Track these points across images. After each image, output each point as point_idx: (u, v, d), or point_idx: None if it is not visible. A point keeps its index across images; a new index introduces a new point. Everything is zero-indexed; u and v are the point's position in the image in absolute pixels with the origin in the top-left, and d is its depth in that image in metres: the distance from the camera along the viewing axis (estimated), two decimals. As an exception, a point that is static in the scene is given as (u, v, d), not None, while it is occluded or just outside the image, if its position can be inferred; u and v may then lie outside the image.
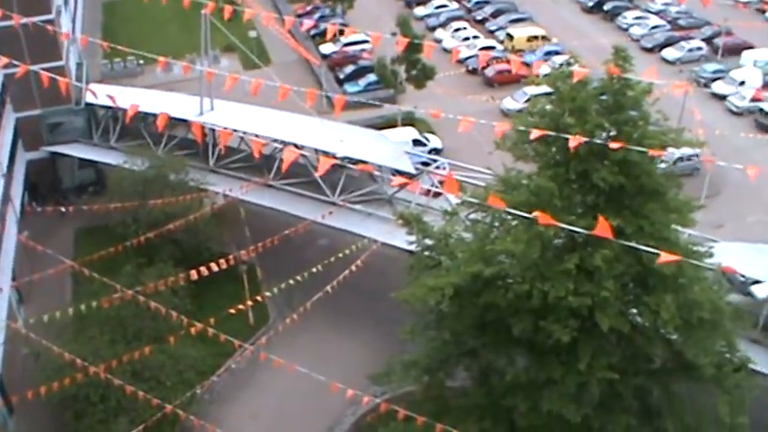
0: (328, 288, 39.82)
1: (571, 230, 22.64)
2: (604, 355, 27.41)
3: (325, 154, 43.44)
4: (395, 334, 32.57)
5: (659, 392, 29.98)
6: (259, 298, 41.13)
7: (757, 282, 40.50)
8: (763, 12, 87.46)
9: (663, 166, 29.85)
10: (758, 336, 37.25)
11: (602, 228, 16.99)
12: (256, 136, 43.15)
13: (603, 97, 27.52)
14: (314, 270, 40.96)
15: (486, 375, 31.55)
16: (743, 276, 39.35)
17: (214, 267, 37.16)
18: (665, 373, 29.85)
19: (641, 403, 30.10)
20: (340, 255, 42.06)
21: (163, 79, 69.77)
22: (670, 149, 30.10)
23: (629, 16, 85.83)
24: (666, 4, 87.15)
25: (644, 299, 26.94)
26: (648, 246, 23.32)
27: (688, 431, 29.15)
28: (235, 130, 46.56)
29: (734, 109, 68.51)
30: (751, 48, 78.10)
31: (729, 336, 29.42)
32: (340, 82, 72.60)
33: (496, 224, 28.91)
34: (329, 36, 40.17)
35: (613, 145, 24.17)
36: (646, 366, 29.94)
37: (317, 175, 43.67)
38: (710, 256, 28.63)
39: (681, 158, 55.34)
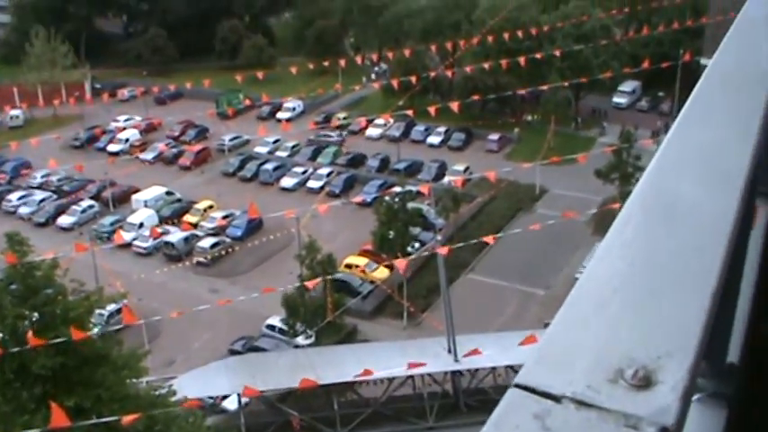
0: None
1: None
2: None
3: None
4: None
5: None
6: None
7: (226, 396, 43.13)
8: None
9: (96, 330, 30.59)
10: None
11: (58, 419, 17.17)
12: None
13: (14, 287, 27.43)
14: None
15: None
16: (211, 398, 41.57)
17: None
18: None
19: None
20: None
21: None
22: (97, 311, 31.00)
23: (13, 198, 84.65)
24: (46, 175, 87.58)
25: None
26: (112, 408, 23.80)
27: None
28: None
29: (142, 251, 71.46)
30: (138, 191, 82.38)
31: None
32: None
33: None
34: None
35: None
36: None
37: None
38: (174, 393, 29.97)
39: (111, 314, 56.01)
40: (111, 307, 49.73)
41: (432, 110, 55.85)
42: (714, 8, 44.85)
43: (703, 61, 45.49)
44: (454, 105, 55.51)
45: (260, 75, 74.80)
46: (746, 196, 2.29)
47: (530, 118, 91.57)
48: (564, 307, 1.66)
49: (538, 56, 71.45)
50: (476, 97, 69.73)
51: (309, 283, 43.26)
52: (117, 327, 36.91)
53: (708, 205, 2.08)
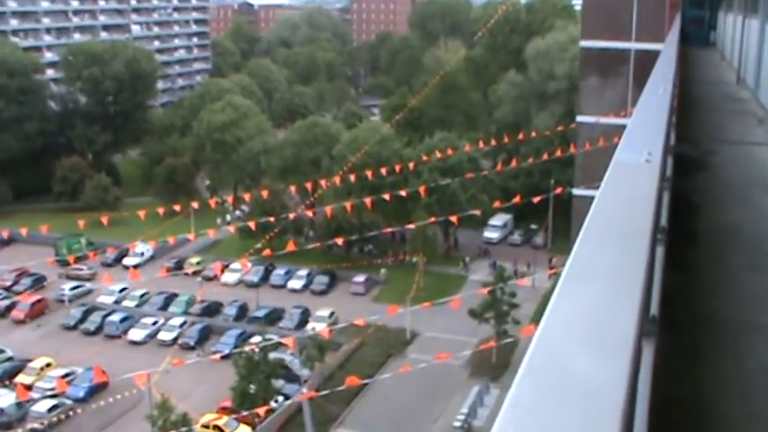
0: None
1: None
2: None
3: None
4: None
5: None
6: None
7: None
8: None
9: None
10: None
11: None
12: None
13: None
14: None
15: None
16: None
17: None
18: None
19: None
20: None
21: None
22: None
23: None
24: None
25: None
26: None
27: None
28: None
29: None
30: (-38, 349, 77.76)
31: None
32: None
33: None
34: None
35: None
36: None
37: None
38: None
39: None
40: None
41: (291, 247, 53.98)
42: (583, 137, 45.56)
43: (575, 192, 45.59)
44: (316, 246, 54.00)
45: (104, 219, 73.69)
46: (636, 352, 2.31)
47: (414, 259, 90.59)
48: None
49: (403, 192, 71.56)
50: (339, 239, 68.68)
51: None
52: None
53: (598, 376, 2.05)
